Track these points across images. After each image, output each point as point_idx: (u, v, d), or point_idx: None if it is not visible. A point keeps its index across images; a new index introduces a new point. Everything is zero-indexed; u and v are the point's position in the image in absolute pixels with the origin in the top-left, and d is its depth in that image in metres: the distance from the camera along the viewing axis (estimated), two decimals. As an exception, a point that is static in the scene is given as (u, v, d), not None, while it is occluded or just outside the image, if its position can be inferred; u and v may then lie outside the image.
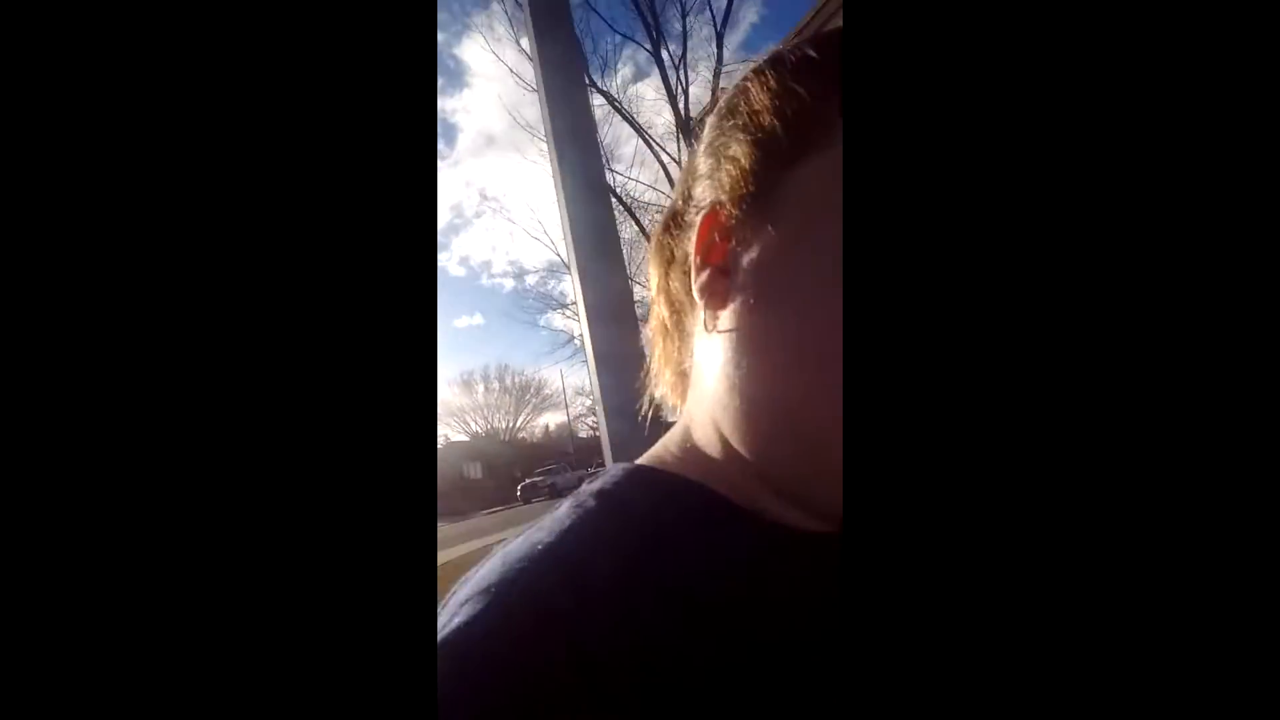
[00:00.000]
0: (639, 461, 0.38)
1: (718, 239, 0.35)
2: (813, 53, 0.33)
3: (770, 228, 0.32)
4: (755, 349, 0.32)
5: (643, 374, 0.44)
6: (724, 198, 0.35)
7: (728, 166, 0.35)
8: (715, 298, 0.34)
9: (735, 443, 0.33)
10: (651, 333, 0.42)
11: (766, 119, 0.33)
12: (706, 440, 0.35)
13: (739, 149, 0.34)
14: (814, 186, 0.31)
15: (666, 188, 12.56)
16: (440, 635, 0.27)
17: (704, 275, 0.35)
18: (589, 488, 0.35)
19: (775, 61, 0.34)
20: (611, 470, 0.36)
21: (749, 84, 0.35)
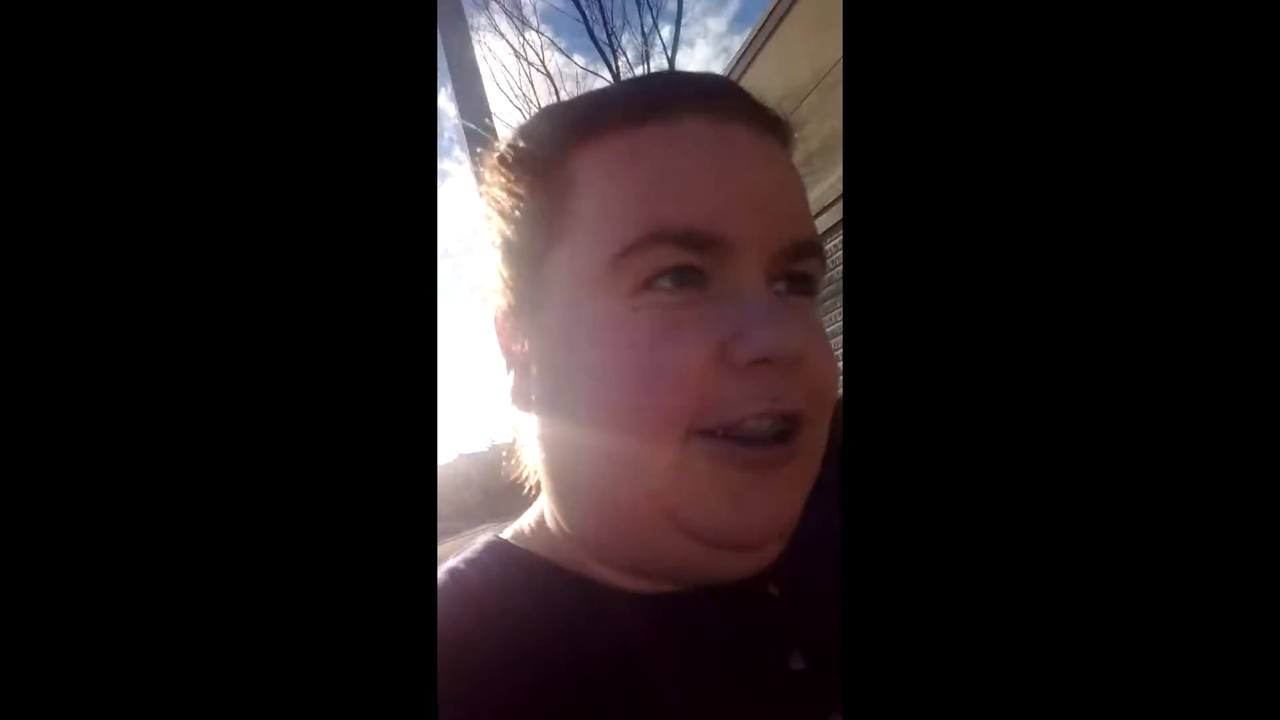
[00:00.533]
0: (502, 535, 0.40)
1: (511, 341, 0.36)
2: (523, 143, 0.34)
3: (541, 324, 0.33)
4: (551, 447, 0.34)
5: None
6: (501, 302, 0.36)
7: (492, 273, 0.36)
8: (519, 399, 0.36)
9: (561, 522, 0.36)
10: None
11: (501, 225, 0.34)
12: (549, 519, 0.38)
13: (496, 255, 0.35)
14: (562, 278, 0.32)
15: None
16: None
17: (510, 379, 0.36)
18: (447, 564, 0.37)
19: (500, 162, 0.35)
20: (473, 544, 0.39)
21: (487, 185, 0.35)
